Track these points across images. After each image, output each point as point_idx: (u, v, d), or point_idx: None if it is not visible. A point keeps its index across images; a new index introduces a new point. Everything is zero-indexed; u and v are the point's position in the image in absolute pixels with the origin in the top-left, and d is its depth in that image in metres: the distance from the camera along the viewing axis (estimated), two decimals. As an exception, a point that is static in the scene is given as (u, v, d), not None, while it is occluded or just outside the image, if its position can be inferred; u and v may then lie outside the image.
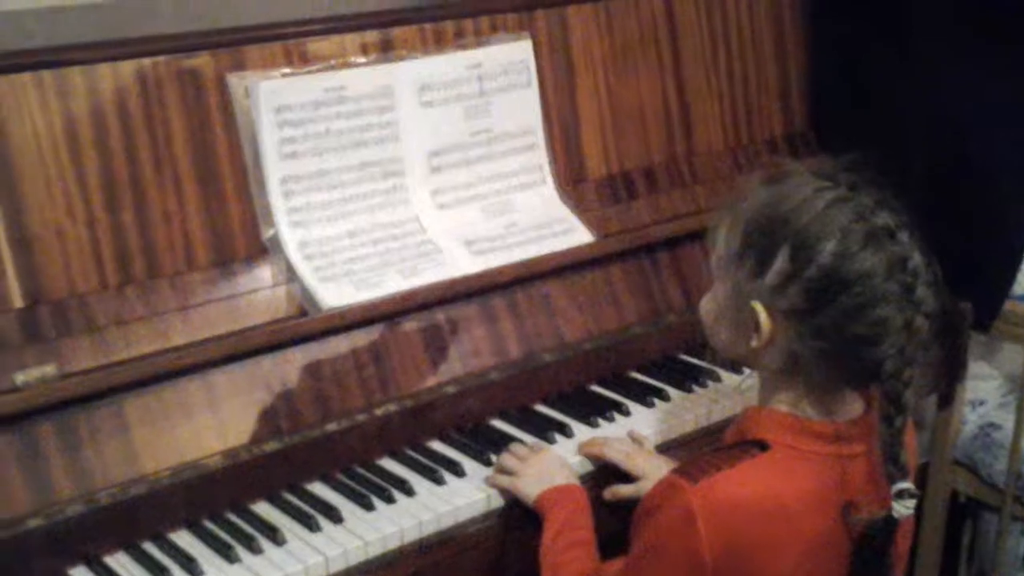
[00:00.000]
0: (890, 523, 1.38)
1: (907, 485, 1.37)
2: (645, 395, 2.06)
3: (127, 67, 1.80)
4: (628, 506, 1.75)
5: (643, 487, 1.79)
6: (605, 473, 1.86)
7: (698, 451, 1.89)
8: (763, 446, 1.43)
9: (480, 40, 2.14)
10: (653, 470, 1.80)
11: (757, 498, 1.38)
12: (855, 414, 1.46)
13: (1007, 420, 2.68)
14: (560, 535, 1.66)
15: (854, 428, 1.44)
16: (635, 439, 1.93)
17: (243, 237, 1.91)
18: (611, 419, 2.00)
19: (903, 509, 1.36)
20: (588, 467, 1.88)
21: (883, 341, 1.36)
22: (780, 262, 1.38)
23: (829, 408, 1.44)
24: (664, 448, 1.94)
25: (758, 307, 1.40)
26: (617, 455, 1.85)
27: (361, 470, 1.85)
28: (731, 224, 1.45)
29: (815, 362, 1.40)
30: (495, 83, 2.15)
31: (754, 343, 1.43)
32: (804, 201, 1.39)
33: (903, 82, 2.49)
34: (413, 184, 2.08)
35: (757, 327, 1.41)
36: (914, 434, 1.54)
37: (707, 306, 1.52)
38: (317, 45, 1.98)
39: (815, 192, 1.40)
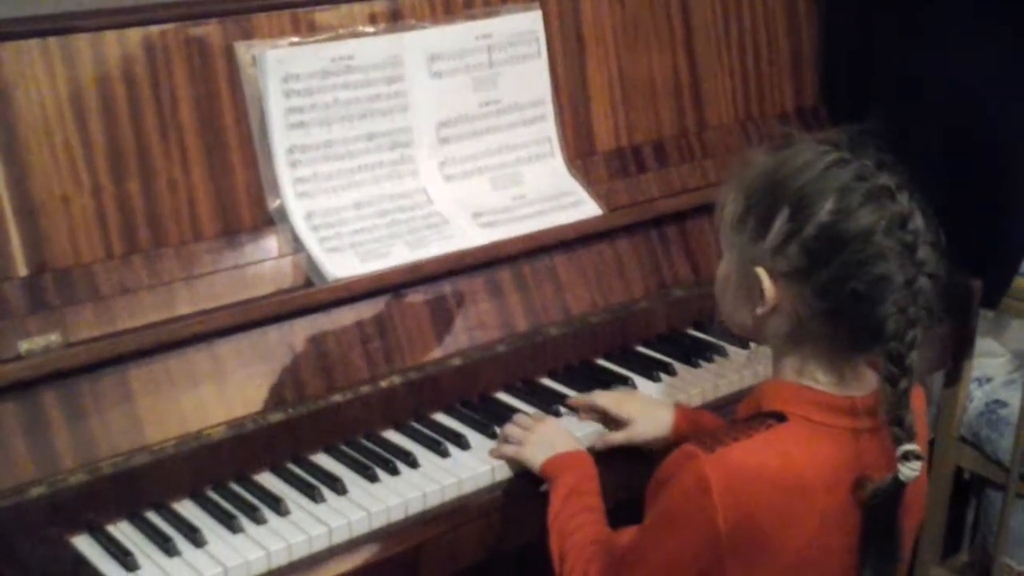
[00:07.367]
0: (897, 485, 1.37)
1: (912, 447, 1.36)
2: (651, 369, 2.06)
3: (134, 35, 1.79)
4: (636, 475, 1.75)
5: (633, 432, 1.81)
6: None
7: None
8: (780, 417, 1.42)
9: (489, 10, 2.12)
10: (641, 414, 1.81)
11: (773, 469, 1.37)
12: (870, 388, 1.45)
13: (1014, 397, 2.68)
14: (569, 500, 1.66)
15: (869, 402, 1.43)
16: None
17: (249, 207, 1.91)
18: (616, 393, 2.00)
19: (909, 471, 1.35)
20: (593, 440, 1.87)
21: (884, 299, 1.35)
22: (780, 223, 1.38)
23: (842, 378, 1.43)
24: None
25: (761, 272, 1.40)
26: (606, 400, 1.86)
27: (365, 442, 1.85)
28: (735, 192, 1.46)
29: (818, 324, 1.40)
30: (504, 54, 2.13)
31: (759, 310, 1.43)
32: (805, 164, 1.39)
33: (916, 56, 2.48)
34: (421, 155, 2.06)
35: (761, 294, 1.41)
36: (925, 405, 1.53)
37: (718, 277, 1.52)
38: (325, 14, 1.96)
39: (816, 155, 1.40)
